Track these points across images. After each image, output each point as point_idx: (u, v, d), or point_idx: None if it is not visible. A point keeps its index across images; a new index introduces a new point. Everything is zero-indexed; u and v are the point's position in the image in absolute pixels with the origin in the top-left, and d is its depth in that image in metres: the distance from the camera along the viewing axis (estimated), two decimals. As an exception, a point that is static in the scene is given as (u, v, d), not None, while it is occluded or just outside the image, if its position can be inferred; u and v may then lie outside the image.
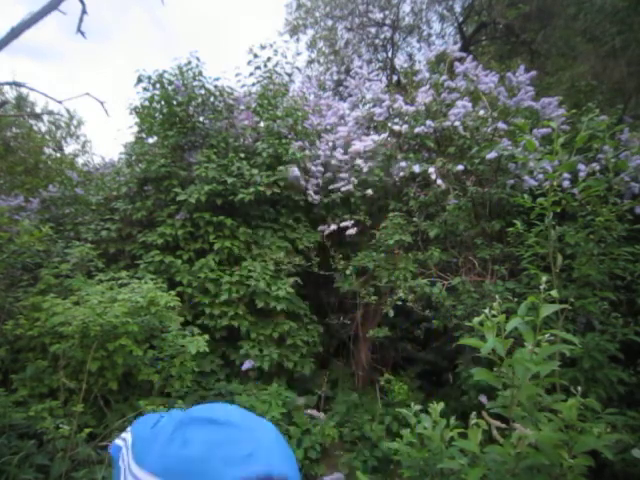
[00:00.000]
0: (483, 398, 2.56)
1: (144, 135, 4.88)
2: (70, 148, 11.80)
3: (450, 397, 3.15)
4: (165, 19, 26.05)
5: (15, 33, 3.16)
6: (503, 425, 1.36)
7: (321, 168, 4.42)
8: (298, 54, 8.23)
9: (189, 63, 4.51)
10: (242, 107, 4.79)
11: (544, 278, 1.41)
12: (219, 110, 4.65)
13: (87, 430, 2.29)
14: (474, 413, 1.50)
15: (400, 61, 6.43)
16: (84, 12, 3.62)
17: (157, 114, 4.59)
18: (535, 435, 1.23)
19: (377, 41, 8.92)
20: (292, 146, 4.23)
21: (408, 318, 4.02)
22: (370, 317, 4.18)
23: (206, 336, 2.97)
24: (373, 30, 8.93)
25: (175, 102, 4.40)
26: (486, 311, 1.33)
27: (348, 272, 3.73)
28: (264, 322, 3.84)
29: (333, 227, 4.00)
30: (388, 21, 8.77)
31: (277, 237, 4.12)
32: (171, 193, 4.13)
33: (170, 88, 4.43)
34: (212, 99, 4.65)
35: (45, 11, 3.26)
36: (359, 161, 4.01)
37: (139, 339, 2.74)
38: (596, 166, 3.08)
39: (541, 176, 3.19)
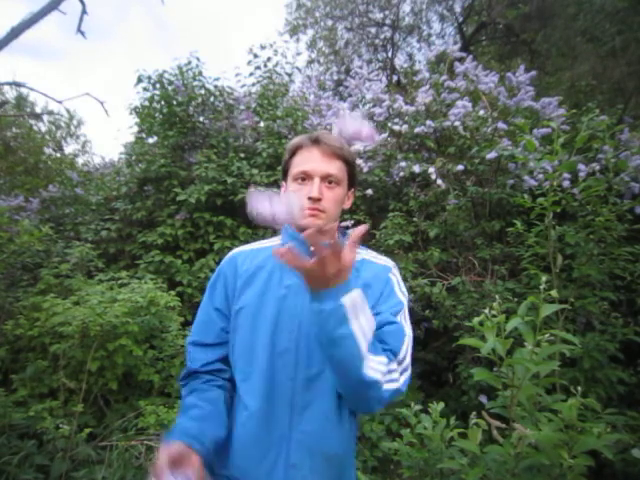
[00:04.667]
0: (483, 398, 2.56)
1: (144, 135, 4.88)
2: (70, 148, 11.82)
3: (450, 397, 3.15)
4: (165, 19, 26.06)
5: (15, 33, 3.16)
6: (503, 425, 1.36)
7: (321, 168, 4.42)
8: (298, 54, 8.25)
9: (189, 63, 4.51)
10: (242, 107, 4.79)
11: (544, 278, 1.41)
12: (219, 110, 4.65)
13: (87, 430, 2.29)
14: (474, 413, 1.50)
15: (400, 61, 6.44)
16: (84, 12, 3.62)
17: (157, 114, 4.59)
18: (535, 435, 1.23)
19: (377, 41, 8.92)
20: (292, 146, 4.23)
21: (408, 318, 4.01)
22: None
23: (206, 336, 2.97)
24: (373, 30, 8.93)
25: (175, 102, 4.40)
26: (486, 311, 1.33)
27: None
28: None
29: (333, 227, 4.00)
30: (388, 21, 8.77)
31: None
32: (171, 193, 4.13)
33: (170, 88, 4.44)
34: (212, 99, 4.65)
35: (45, 11, 3.26)
36: (359, 161, 4.01)
37: (139, 339, 2.74)
38: (596, 166, 3.08)
39: (541, 176, 3.19)
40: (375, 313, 0.95)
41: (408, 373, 0.97)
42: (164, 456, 0.78)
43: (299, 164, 1.01)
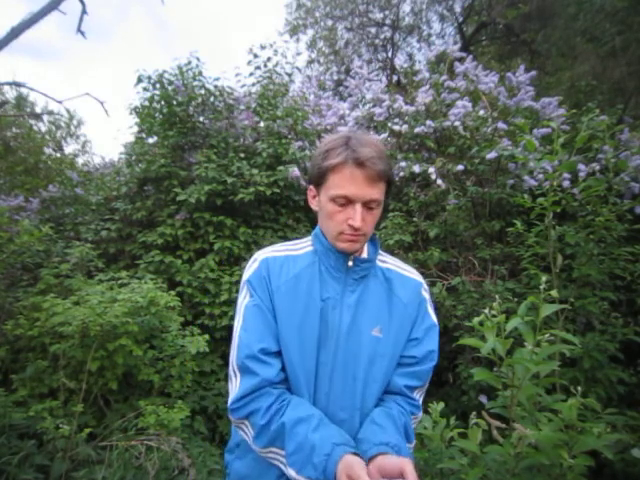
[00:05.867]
0: (483, 398, 2.56)
1: (144, 135, 4.87)
2: (70, 148, 11.80)
3: (450, 397, 3.15)
4: (165, 19, 26.05)
5: (15, 33, 3.16)
6: (503, 425, 1.36)
7: (321, 168, 4.41)
8: (298, 54, 8.23)
9: (189, 63, 4.51)
10: (242, 107, 4.79)
11: (544, 278, 1.41)
12: (219, 110, 4.65)
13: (87, 430, 2.29)
14: (474, 413, 1.50)
15: (400, 61, 6.44)
16: (84, 12, 3.62)
17: (157, 114, 4.58)
18: (535, 435, 1.23)
19: (377, 41, 8.93)
20: (292, 146, 4.22)
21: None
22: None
23: (206, 336, 2.97)
24: (373, 30, 8.94)
25: (175, 102, 4.40)
26: (486, 311, 1.33)
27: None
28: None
29: (333, 227, 3.99)
30: (388, 21, 8.78)
31: (277, 237, 4.12)
32: (171, 193, 4.13)
33: (170, 88, 4.43)
34: (212, 99, 4.65)
35: (45, 11, 3.26)
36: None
37: (139, 339, 2.74)
38: (596, 166, 3.08)
39: (541, 176, 3.19)
40: (414, 338, 1.01)
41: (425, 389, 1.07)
42: None
43: (339, 186, 0.92)
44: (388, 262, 1.07)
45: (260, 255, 1.04)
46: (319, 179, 0.96)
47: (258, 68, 5.04)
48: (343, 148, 0.92)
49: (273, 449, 0.90)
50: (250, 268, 1.03)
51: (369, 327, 0.97)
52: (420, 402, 1.04)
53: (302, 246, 1.06)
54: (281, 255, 1.03)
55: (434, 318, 1.06)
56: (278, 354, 0.96)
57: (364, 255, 1.02)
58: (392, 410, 0.96)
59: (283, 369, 0.96)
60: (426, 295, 1.06)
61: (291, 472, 0.85)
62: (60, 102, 3.76)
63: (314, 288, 0.98)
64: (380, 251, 1.09)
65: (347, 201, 0.92)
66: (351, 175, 0.91)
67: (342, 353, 0.95)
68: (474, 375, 1.35)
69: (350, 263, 0.99)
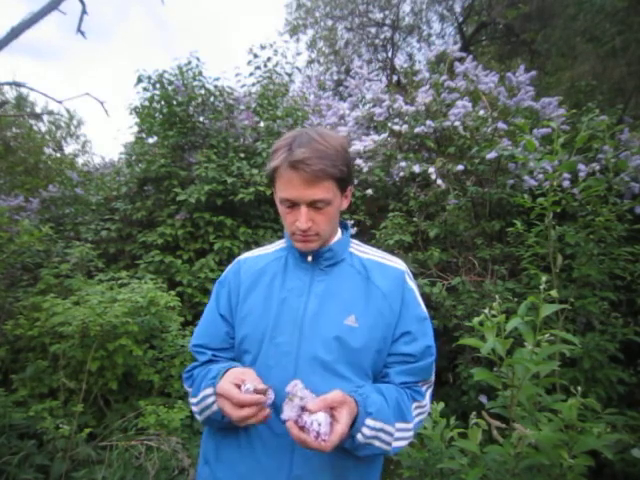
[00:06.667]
0: (483, 398, 2.56)
1: (144, 135, 4.87)
2: (70, 148, 11.82)
3: (450, 397, 3.15)
4: (165, 19, 26.06)
5: (15, 33, 3.15)
6: (503, 425, 1.36)
7: (321, 168, 4.41)
8: (298, 54, 8.24)
9: (189, 63, 4.51)
10: (242, 107, 4.79)
11: (544, 278, 1.41)
12: (219, 110, 4.65)
13: (87, 430, 2.29)
14: (474, 413, 1.50)
15: (400, 61, 6.44)
16: (84, 12, 3.61)
17: (157, 114, 4.59)
18: (535, 435, 1.23)
19: (377, 41, 8.93)
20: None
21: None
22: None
23: (206, 336, 2.97)
24: (373, 30, 8.94)
25: (175, 102, 4.40)
26: (486, 311, 1.33)
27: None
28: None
29: (333, 227, 3.99)
30: (388, 21, 8.78)
31: (277, 237, 4.12)
32: (171, 193, 4.13)
33: (170, 88, 4.43)
34: (212, 99, 4.65)
35: (45, 11, 3.26)
36: (359, 161, 4.01)
37: (139, 339, 2.74)
38: (596, 166, 3.08)
39: (541, 176, 3.19)
40: (406, 332, 0.98)
41: (432, 384, 1.04)
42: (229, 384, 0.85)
43: (281, 189, 0.92)
44: (369, 253, 1.06)
45: (237, 258, 1.11)
46: (270, 180, 0.97)
47: (258, 68, 5.05)
48: (284, 149, 0.90)
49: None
50: (225, 270, 1.10)
51: (340, 316, 0.94)
52: (425, 392, 1.00)
53: (277, 244, 1.11)
54: (254, 255, 1.09)
55: (424, 309, 1.03)
56: (220, 349, 1.03)
57: (331, 242, 1.02)
58: (380, 385, 0.94)
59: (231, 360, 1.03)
60: (412, 284, 1.03)
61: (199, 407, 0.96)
62: (60, 102, 3.75)
63: (276, 280, 1.00)
64: (362, 244, 1.10)
65: (292, 203, 0.92)
66: (288, 178, 0.90)
67: (308, 341, 0.93)
68: (474, 375, 1.35)
69: (309, 258, 1.00)
